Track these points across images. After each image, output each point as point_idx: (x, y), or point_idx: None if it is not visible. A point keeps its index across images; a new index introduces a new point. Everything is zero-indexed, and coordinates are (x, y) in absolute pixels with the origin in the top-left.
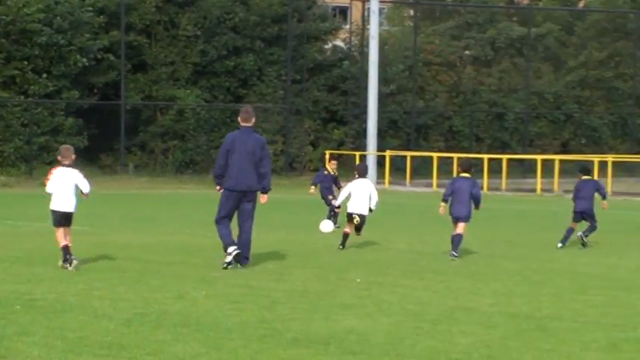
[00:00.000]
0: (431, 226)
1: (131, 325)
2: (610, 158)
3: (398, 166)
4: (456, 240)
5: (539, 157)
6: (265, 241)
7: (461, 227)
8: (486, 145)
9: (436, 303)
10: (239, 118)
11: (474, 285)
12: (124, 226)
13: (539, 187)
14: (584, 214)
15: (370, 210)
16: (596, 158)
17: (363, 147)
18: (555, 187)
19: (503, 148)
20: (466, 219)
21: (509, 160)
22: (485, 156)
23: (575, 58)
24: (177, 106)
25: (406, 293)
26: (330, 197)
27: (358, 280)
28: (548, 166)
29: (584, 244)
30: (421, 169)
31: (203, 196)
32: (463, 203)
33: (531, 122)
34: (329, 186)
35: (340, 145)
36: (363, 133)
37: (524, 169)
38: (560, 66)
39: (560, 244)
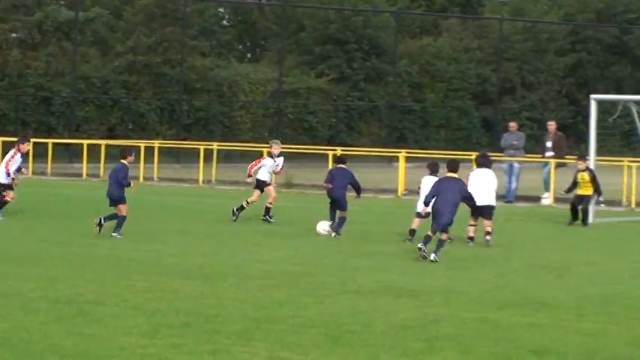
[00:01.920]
0: None
1: None
2: (157, 144)
3: None
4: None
5: (85, 142)
6: None
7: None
8: (32, 129)
9: None
10: None
11: (18, 270)
12: None
13: (85, 171)
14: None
15: None
16: (142, 144)
17: None
18: (101, 172)
19: (50, 132)
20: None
21: (54, 144)
22: (31, 140)
23: (124, 43)
24: None
25: None
26: None
27: None
28: (94, 150)
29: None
30: None
31: None
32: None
33: (78, 107)
34: None
35: None
36: None
37: (71, 153)
38: (108, 51)
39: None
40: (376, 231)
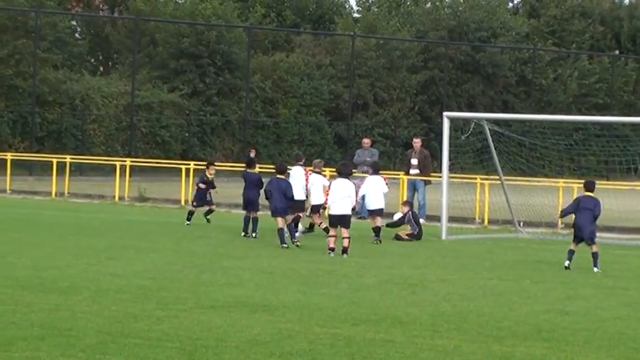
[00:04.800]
0: None
1: None
2: (9, 156)
3: None
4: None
5: None
6: None
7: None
8: None
9: None
10: None
11: None
12: None
13: None
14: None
15: None
16: None
17: None
18: None
19: None
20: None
21: None
22: None
23: None
24: None
25: None
26: None
27: None
28: None
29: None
30: None
31: None
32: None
33: None
34: None
35: None
36: None
37: None
38: None
39: None
40: (231, 245)
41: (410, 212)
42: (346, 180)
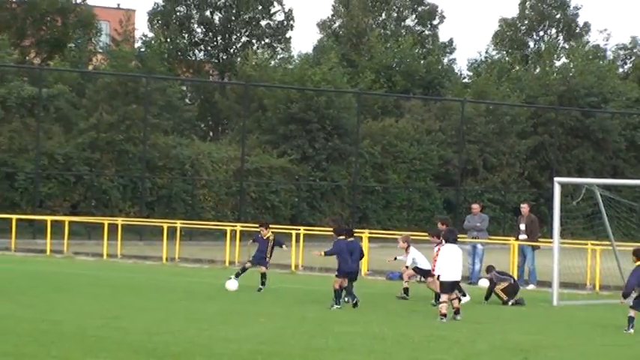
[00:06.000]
0: None
1: None
2: (120, 221)
3: None
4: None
5: (49, 218)
6: None
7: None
8: None
9: None
10: None
11: None
12: None
13: (49, 247)
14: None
15: None
16: (106, 221)
17: None
18: (65, 248)
19: (13, 207)
20: None
21: (18, 220)
22: None
23: (87, 119)
24: None
25: None
26: None
27: None
28: (58, 227)
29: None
30: None
31: None
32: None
33: (42, 183)
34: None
35: None
36: None
37: (34, 229)
38: (71, 127)
39: None
40: (341, 311)
41: (494, 272)
42: (455, 246)
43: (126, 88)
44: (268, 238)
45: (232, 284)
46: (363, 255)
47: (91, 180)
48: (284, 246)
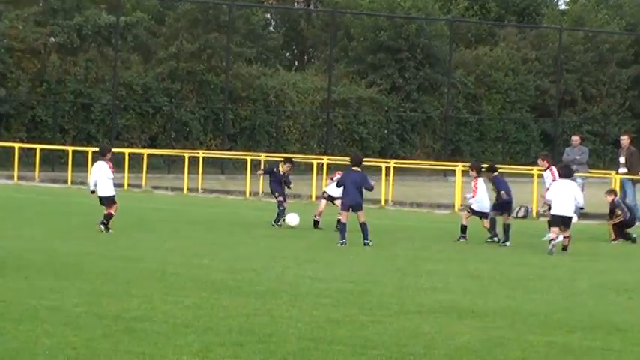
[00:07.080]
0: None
1: None
2: (201, 154)
3: None
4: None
5: (126, 151)
6: None
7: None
8: (71, 136)
9: (17, 302)
10: None
11: (59, 283)
12: None
13: (126, 182)
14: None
15: None
16: (186, 153)
17: None
18: (143, 182)
19: (89, 140)
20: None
21: (94, 152)
22: (70, 148)
23: (166, 49)
24: None
25: None
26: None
27: None
28: (135, 160)
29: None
30: (2, 161)
31: None
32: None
33: (119, 114)
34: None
35: None
36: None
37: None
38: (149, 57)
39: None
40: (434, 248)
41: (615, 199)
42: (568, 181)
43: (207, 15)
44: (284, 173)
45: (294, 219)
46: (370, 187)
47: (170, 111)
48: (291, 186)
